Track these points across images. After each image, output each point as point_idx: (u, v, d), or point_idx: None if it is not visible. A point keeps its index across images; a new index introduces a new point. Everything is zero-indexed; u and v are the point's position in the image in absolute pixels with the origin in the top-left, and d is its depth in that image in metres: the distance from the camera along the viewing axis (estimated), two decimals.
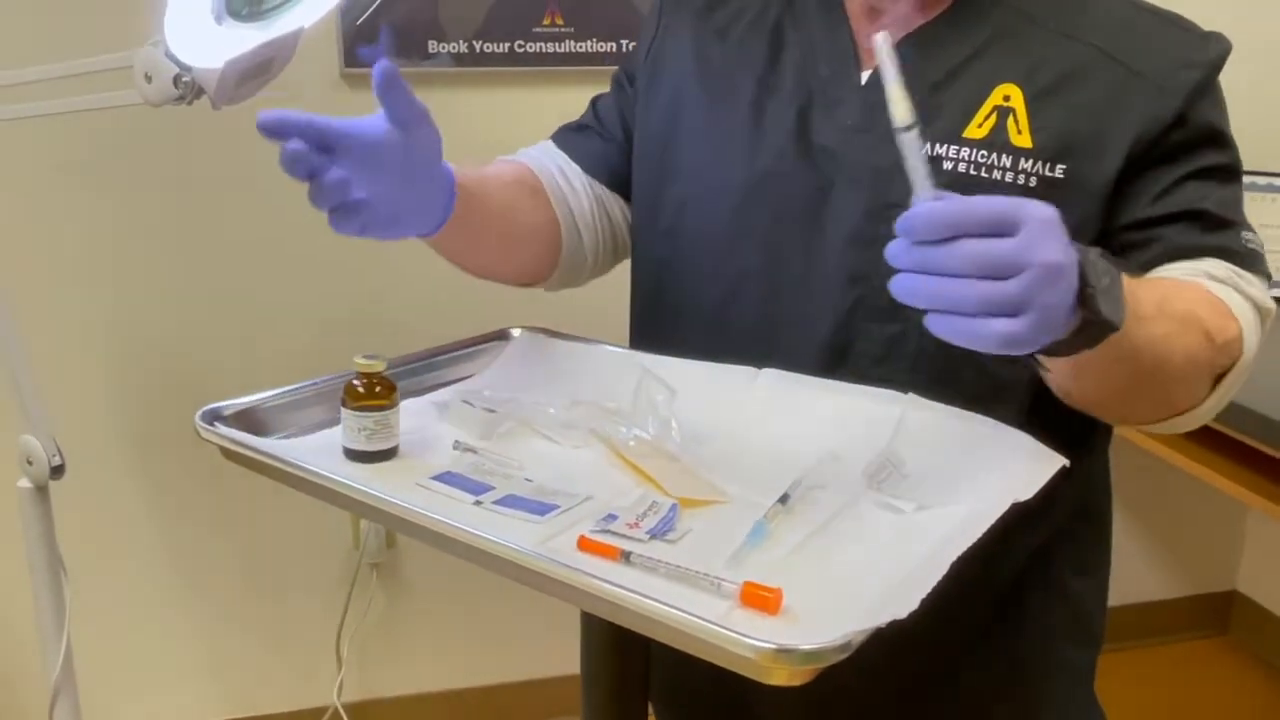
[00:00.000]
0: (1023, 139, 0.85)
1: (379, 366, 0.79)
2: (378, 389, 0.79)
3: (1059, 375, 0.77)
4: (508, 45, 1.75)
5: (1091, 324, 0.66)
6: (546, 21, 1.75)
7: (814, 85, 0.93)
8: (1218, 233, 0.85)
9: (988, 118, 0.87)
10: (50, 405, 1.07)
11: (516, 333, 1.03)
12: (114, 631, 1.86)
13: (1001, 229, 0.62)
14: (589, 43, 1.78)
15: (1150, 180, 0.86)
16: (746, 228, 0.95)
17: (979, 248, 0.61)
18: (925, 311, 0.64)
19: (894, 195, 0.86)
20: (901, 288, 0.64)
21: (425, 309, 1.81)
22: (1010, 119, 0.86)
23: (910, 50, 0.91)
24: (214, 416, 0.82)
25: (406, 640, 2.03)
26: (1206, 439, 1.62)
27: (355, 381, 0.79)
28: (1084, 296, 0.65)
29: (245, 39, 0.92)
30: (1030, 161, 0.85)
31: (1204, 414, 0.84)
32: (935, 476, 0.76)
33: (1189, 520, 2.33)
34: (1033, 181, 0.85)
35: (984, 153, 0.86)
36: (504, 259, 1.00)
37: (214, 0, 0.85)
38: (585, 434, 0.84)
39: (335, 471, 0.74)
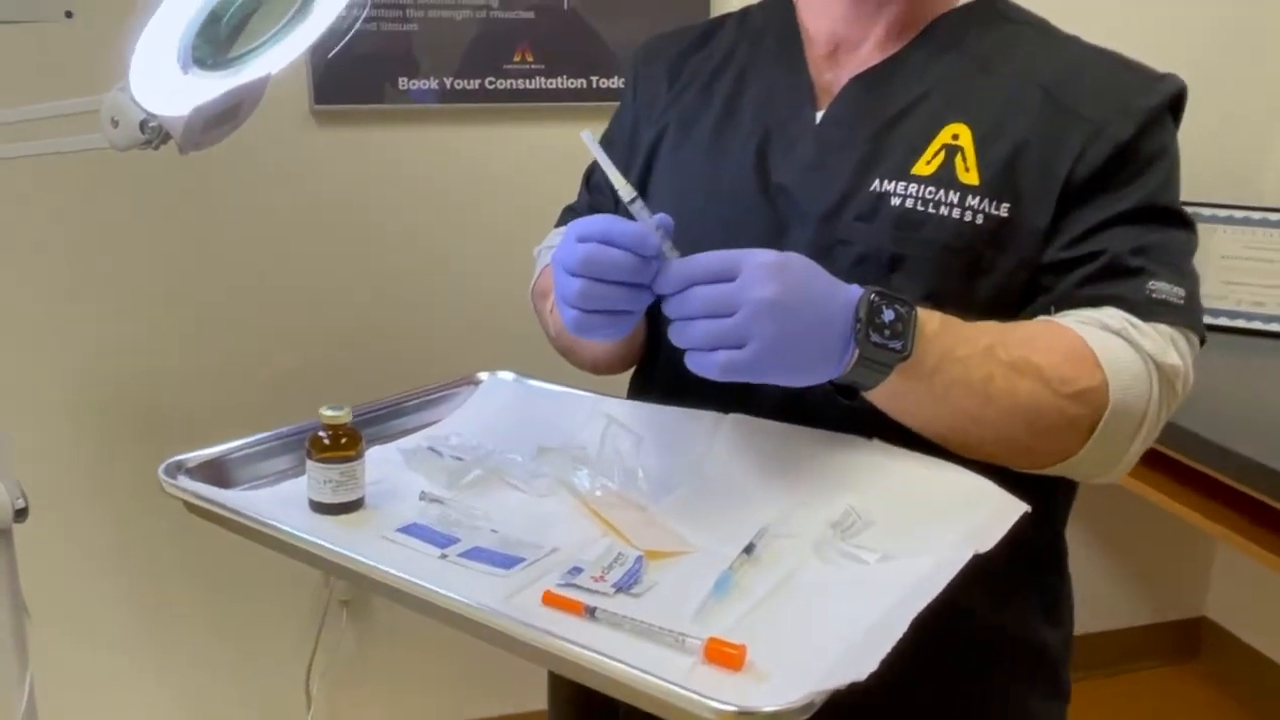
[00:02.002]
0: (970, 176, 0.87)
1: (344, 418, 0.79)
2: (343, 440, 0.78)
3: (882, 407, 0.81)
4: (479, 82, 1.75)
5: (865, 355, 0.75)
6: (518, 59, 1.76)
7: (772, 125, 0.95)
8: (1121, 281, 0.84)
9: (936, 154, 0.88)
10: (14, 447, 1.06)
11: (484, 377, 1.03)
12: (79, 674, 1.84)
13: (725, 276, 0.74)
14: (559, 79, 1.79)
15: (1072, 222, 0.86)
16: None
17: (705, 292, 0.74)
18: None
19: (841, 233, 0.88)
20: (670, 332, 0.76)
21: (392, 356, 1.82)
22: (959, 157, 0.87)
23: (862, 89, 0.92)
24: (178, 469, 0.82)
25: (376, 678, 2.01)
26: (1168, 467, 1.64)
27: (320, 433, 0.78)
28: (856, 330, 0.75)
29: (212, 87, 0.92)
30: (977, 199, 0.86)
31: (1095, 462, 0.83)
32: (899, 525, 0.77)
33: (1157, 547, 2.34)
34: (979, 219, 0.86)
35: (932, 189, 0.87)
36: (633, 347, 1.01)
37: (179, 50, 0.85)
38: (552, 483, 0.84)
39: (300, 528, 0.74)
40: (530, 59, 1.77)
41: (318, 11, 0.96)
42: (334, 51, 1.69)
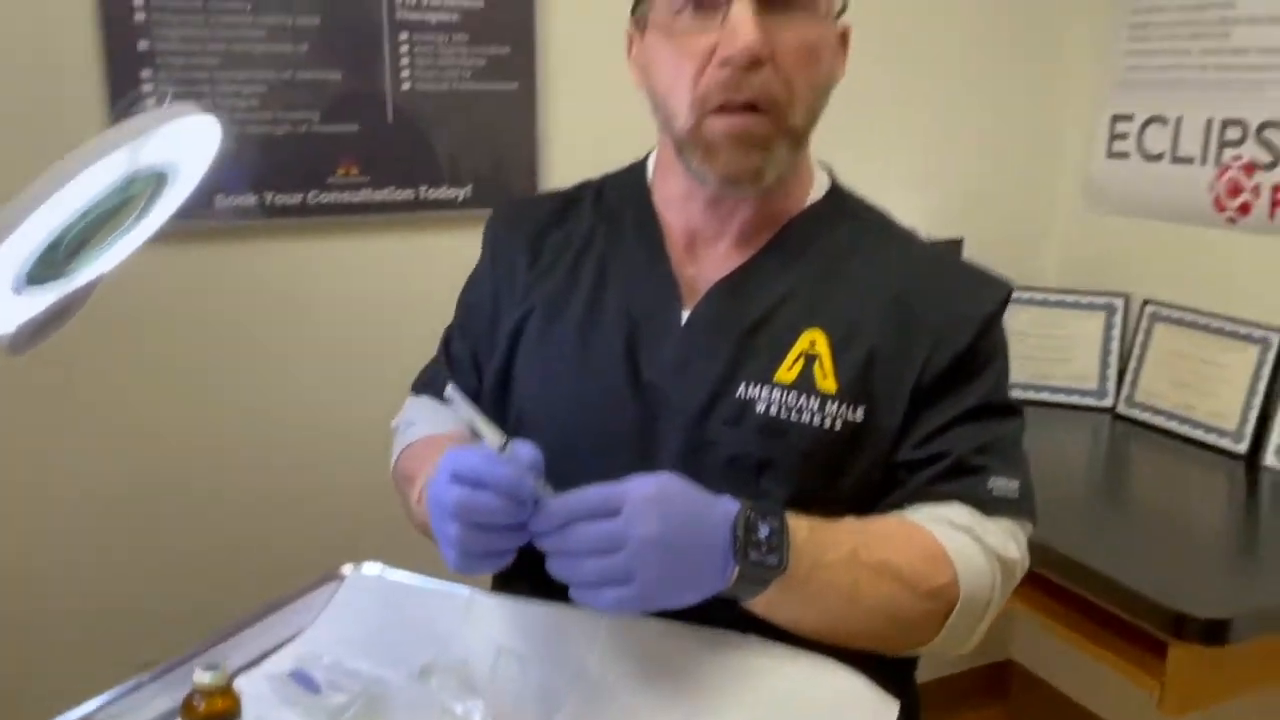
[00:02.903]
0: (828, 383, 0.92)
1: (221, 680, 0.75)
2: (220, 705, 0.75)
3: (758, 613, 0.83)
4: (300, 196, 1.70)
5: (744, 573, 0.77)
6: (342, 172, 1.72)
7: (639, 318, 0.97)
8: (966, 479, 0.91)
9: (796, 361, 0.92)
10: None
11: (347, 570, 1.00)
12: None
13: (606, 512, 0.75)
14: (387, 190, 1.75)
15: (921, 423, 0.93)
16: (576, 452, 0.97)
17: (588, 531, 0.75)
18: None
19: (711, 434, 0.92)
20: (549, 566, 0.77)
21: (259, 543, 1.74)
22: (816, 364, 0.92)
23: (724, 294, 0.96)
24: None
25: None
26: None
27: (195, 700, 0.74)
28: (735, 548, 0.77)
29: (44, 299, 0.87)
30: (835, 405, 0.91)
31: (946, 645, 0.89)
32: None
33: None
34: (838, 424, 0.91)
35: (794, 395, 0.91)
36: None
37: (15, 275, 0.79)
38: (439, 713, 0.83)
39: None
40: (355, 171, 1.73)
41: (158, 209, 0.92)
42: None
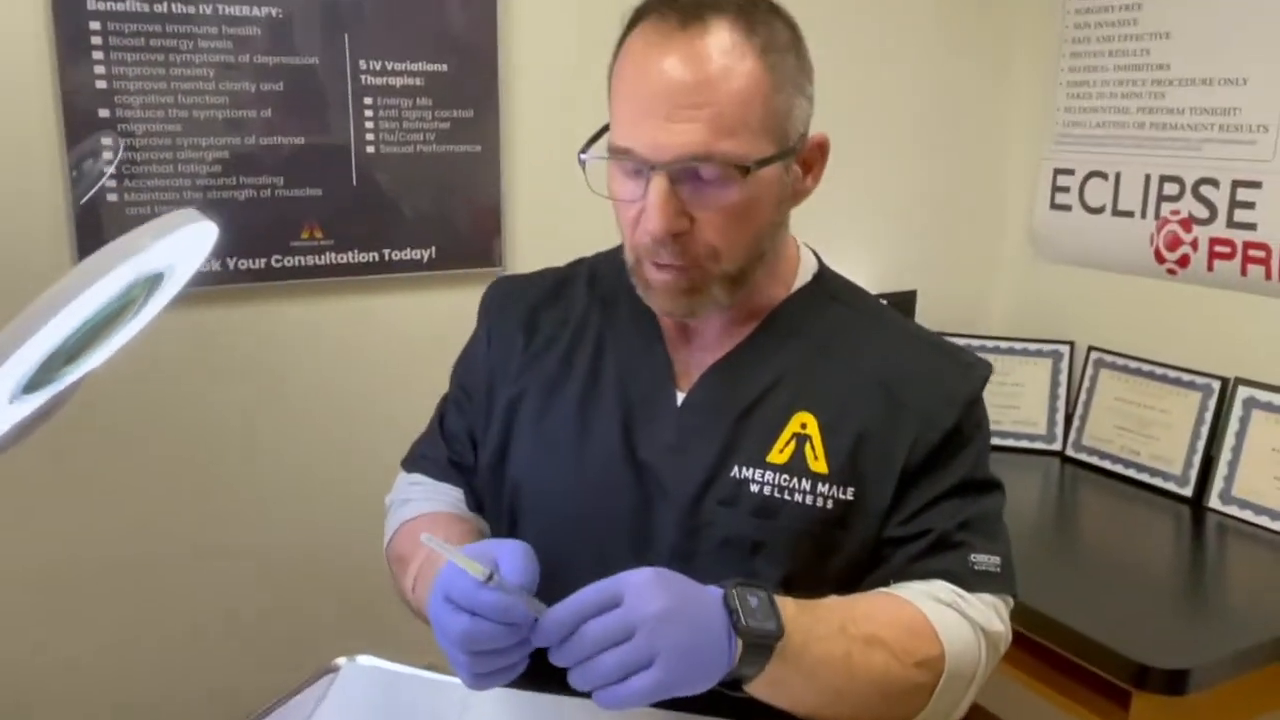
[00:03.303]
0: (819, 464, 0.94)
1: None
2: None
3: (763, 696, 0.84)
4: (264, 260, 1.69)
5: (750, 643, 0.77)
6: (306, 235, 1.71)
7: (635, 399, 0.98)
8: (948, 554, 0.94)
9: (788, 443, 0.95)
10: None
11: (341, 662, 0.99)
12: None
13: (609, 605, 0.75)
14: (351, 253, 1.75)
15: (907, 501, 0.95)
16: (576, 532, 0.98)
17: (597, 627, 0.74)
18: None
19: (706, 515, 0.93)
20: (571, 680, 0.76)
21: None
22: (808, 445, 0.94)
23: (717, 378, 0.98)
24: None
25: None
26: None
27: None
28: (734, 620, 0.77)
29: (34, 402, 0.85)
30: (826, 485, 0.93)
31: (933, 717, 0.91)
32: None
33: None
34: (829, 504, 0.93)
35: (786, 476, 0.93)
36: None
37: (13, 388, 0.78)
38: None
39: None
40: (319, 234, 1.72)
41: (150, 307, 0.91)
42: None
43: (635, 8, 0.92)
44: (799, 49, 0.92)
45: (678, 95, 0.85)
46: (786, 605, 0.83)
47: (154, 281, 0.86)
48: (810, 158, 0.96)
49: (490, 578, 0.76)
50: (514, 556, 0.79)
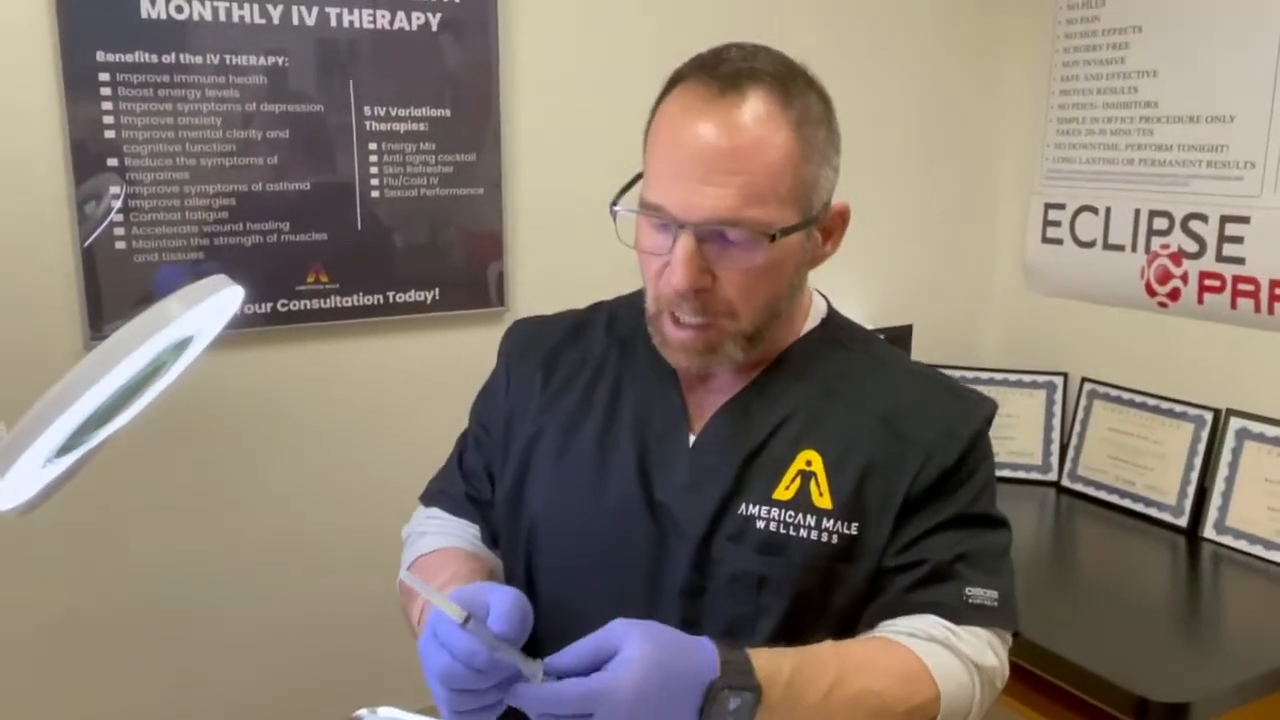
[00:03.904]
0: (824, 500, 0.96)
1: None
2: None
3: None
4: (270, 305, 1.70)
5: (740, 701, 0.78)
6: (311, 279, 1.73)
7: (650, 440, 1.01)
8: (942, 585, 0.95)
9: (794, 480, 0.97)
10: None
11: (363, 714, 1.00)
12: None
13: (596, 662, 0.77)
14: (355, 297, 1.77)
15: (906, 529, 0.97)
16: (592, 569, 1.00)
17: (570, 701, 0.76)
18: None
19: (716, 552, 0.96)
20: None
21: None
22: (813, 482, 0.97)
23: (728, 419, 1.00)
24: None
25: None
26: None
27: None
28: (724, 675, 0.78)
29: (63, 464, 0.87)
30: (831, 521, 0.96)
31: None
32: None
33: None
34: (834, 539, 0.95)
35: (791, 513, 0.96)
36: None
37: (47, 453, 0.79)
38: None
39: None
40: (324, 278, 1.74)
41: (175, 368, 0.93)
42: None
43: (676, 69, 0.95)
44: (830, 121, 0.95)
45: (712, 160, 0.88)
46: (775, 685, 0.82)
47: (182, 345, 0.88)
48: (831, 225, 0.99)
49: (467, 620, 0.77)
50: (502, 604, 0.80)
